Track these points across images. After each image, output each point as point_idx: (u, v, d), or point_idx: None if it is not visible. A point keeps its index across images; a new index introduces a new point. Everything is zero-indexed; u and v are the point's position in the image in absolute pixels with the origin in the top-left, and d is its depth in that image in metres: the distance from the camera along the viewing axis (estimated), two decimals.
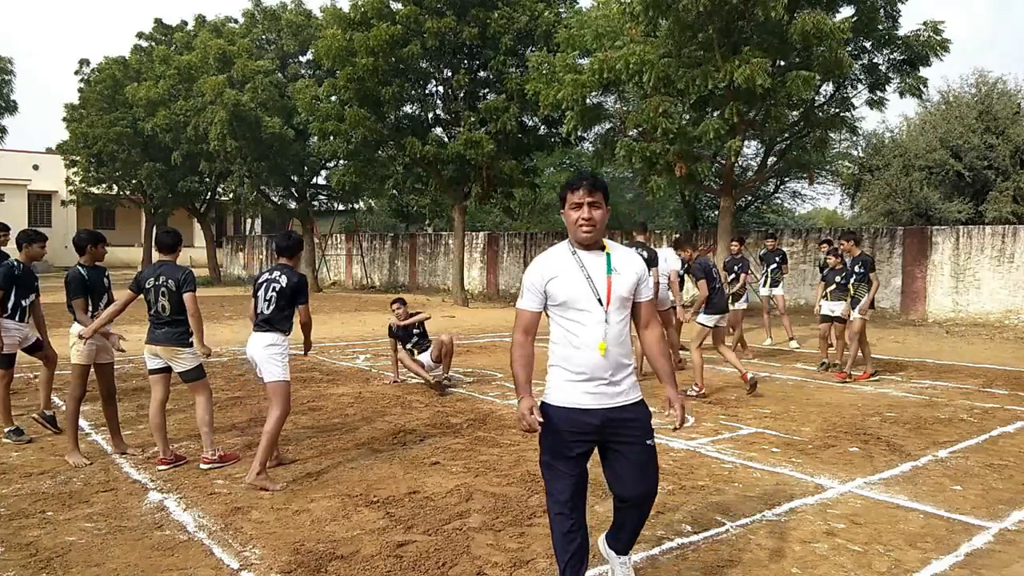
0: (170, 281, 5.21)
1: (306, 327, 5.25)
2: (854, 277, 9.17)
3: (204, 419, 5.32)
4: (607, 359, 2.91)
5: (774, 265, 12.40)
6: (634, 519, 3.11)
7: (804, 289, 17.38)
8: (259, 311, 5.10)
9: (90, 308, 5.64)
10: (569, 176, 3.05)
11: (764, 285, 12.61)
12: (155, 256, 5.54)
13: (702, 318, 8.02)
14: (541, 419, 2.96)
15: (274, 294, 5.06)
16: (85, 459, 5.43)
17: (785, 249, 14.99)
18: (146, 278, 5.27)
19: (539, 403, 3.04)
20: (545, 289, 2.98)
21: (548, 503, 3.07)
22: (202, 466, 5.28)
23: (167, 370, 5.36)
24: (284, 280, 5.09)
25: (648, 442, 2.99)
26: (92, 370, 5.68)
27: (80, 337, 5.44)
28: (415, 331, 8.60)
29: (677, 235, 15.39)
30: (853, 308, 9.11)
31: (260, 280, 5.19)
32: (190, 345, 5.31)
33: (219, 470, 5.24)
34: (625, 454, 2.97)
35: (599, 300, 2.92)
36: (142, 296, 5.31)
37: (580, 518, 3.04)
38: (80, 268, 5.68)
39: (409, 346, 8.53)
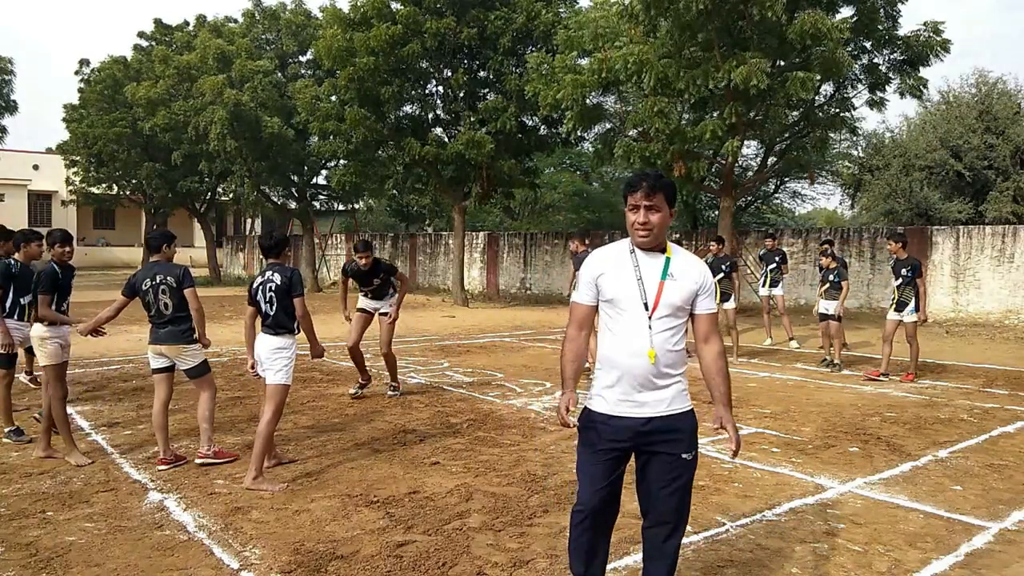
0: (169, 278, 5.28)
1: (304, 320, 5.14)
2: (900, 280, 9.00)
3: (205, 415, 5.36)
4: (654, 366, 2.76)
5: (773, 265, 12.40)
6: (659, 550, 2.90)
7: (804, 289, 17.37)
8: (264, 313, 5.13)
9: (53, 307, 5.64)
10: (631, 175, 2.90)
11: (764, 285, 12.61)
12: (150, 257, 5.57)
13: None
14: (576, 420, 2.92)
15: (272, 294, 5.09)
16: (86, 458, 5.43)
17: (785, 249, 14.99)
18: (141, 280, 5.31)
19: (582, 408, 2.97)
20: (596, 283, 2.87)
21: (574, 508, 2.96)
22: (196, 460, 5.29)
23: (171, 369, 5.39)
24: (278, 278, 5.12)
25: (685, 456, 2.81)
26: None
27: (81, 334, 5.46)
28: (376, 280, 7.71)
29: (573, 230, 15.17)
30: (899, 311, 8.99)
31: (255, 284, 5.21)
32: (195, 342, 5.36)
33: (219, 469, 5.24)
34: (655, 463, 2.82)
35: (645, 304, 2.77)
36: (136, 299, 5.36)
37: (601, 531, 2.96)
38: (55, 265, 5.66)
39: (366, 292, 7.84)
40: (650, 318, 2.77)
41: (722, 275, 10.60)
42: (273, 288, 5.08)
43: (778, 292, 12.46)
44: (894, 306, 9.12)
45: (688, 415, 2.86)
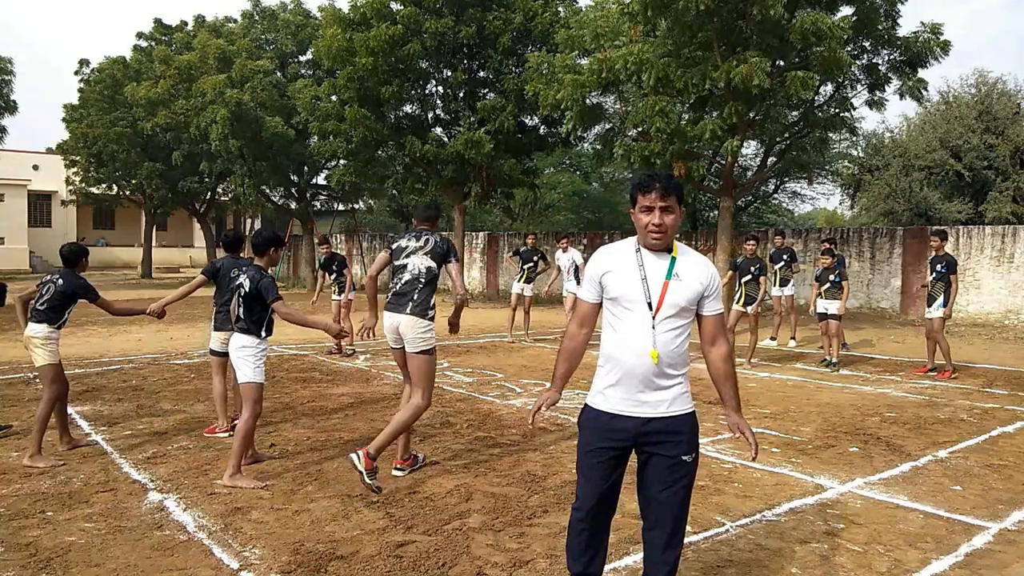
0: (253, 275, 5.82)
1: (293, 320, 5.10)
2: (933, 275, 9.35)
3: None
4: (656, 366, 2.74)
5: (782, 263, 12.20)
6: (658, 557, 2.84)
7: (804, 289, 17.34)
8: (236, 315, 5.17)
9: (69, 311, 5.70)
10: (639, 176, 2.84)
11: (774, 284, 12.45)
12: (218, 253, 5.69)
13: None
14: (542, 422, 2.97)
15: (239, 299, 5.13)
16: (51, 460, 5.37)
17: (794, 248, 14.91)
18: (228, 268, 5.76)
19: (584, 405, 2.97)
20: (601, 281, 2.86)
21: (572, 507, 2.96)
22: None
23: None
24: (247, 284, 5.09)
25: (685, 458, 2.78)
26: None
27: (149, 313, 5.76)
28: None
29: (572, 230, 14.97)
30: (930, 306, 9.36)
31: (236, 282, 5.22)
32: None
33: (219, 469, 5.22)
34: (656, 465, 2.80)
35: (649, 304, 2.74)
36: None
37: (599, 530, 2.96)
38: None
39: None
40: (654, 318, 2.75)
41: (749, 277, 10.05)
42: (242, 294, 5.11)
43: (788, 292, 12.25)
44: (927, 301, 9.49)
45: (689, 417, 2.85)
